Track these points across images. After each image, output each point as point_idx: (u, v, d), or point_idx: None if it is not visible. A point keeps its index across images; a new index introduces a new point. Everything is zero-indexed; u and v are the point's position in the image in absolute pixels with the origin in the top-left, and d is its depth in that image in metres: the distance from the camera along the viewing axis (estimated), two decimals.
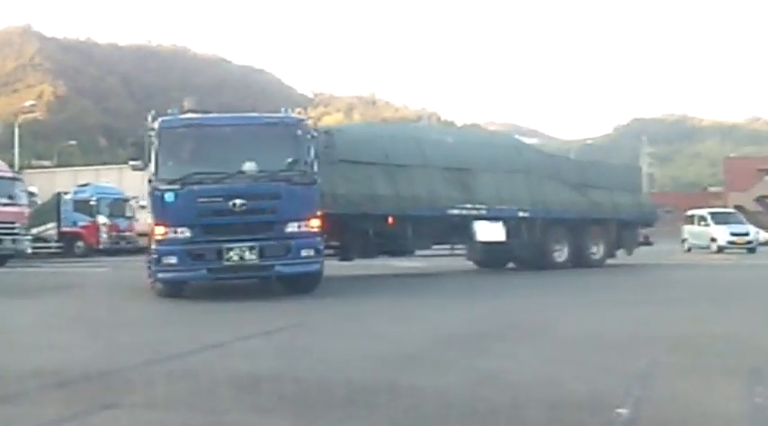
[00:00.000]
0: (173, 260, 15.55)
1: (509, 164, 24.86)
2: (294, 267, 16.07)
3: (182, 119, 16.75)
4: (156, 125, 16.06)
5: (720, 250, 40.84)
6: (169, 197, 15.51)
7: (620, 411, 6.59)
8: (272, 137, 16.71)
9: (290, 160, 16.34)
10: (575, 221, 25.83)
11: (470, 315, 13.63)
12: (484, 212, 23.25)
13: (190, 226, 15.50)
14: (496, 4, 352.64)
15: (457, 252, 24.79)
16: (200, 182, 15.59)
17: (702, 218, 44.61)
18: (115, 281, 23.83)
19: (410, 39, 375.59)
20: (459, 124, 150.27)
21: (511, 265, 26.21)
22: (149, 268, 17.01)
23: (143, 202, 41.03)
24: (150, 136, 16.10)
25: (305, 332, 12.04)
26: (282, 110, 17.61)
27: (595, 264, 26.01)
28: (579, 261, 25.74)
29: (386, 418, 6.65)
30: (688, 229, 45.89)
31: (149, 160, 16.19)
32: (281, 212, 15.85)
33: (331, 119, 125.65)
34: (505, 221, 23.59)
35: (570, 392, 7.48)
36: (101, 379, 8.25)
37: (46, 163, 68.19)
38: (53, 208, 42.44)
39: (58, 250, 41.17)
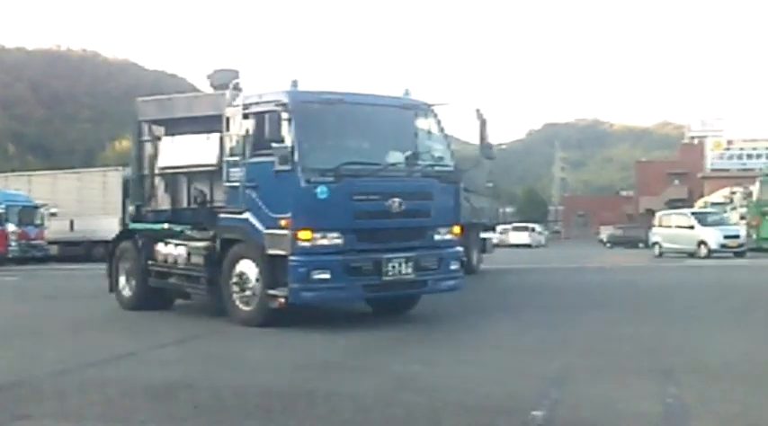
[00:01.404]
0: (325, 275, 12.03)
1: None
2: (445, 283, 13.30)
3: (315, 93, 13.09)
4: (283, 99, 12.53)
5: (710, 254, 35.60)
6: (322, 192, 12.00)
7: (535, 413, 6.68)
8: (410, 122, 13.65)
9: (434, 153, 13.65)
10: (466, 226, 24.64)
11: (381, 322, 13.58)
12: None
13: (342, 231, 12.23)
14: (409, 8, 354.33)
15: None
16: (354, 175, 12.34)
17: (684, 220, 39.08)
18: (25, 290, 23.35)
19: (323, 37, 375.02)
20: None
21: None
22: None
23: (53, 209, 40.32)
24: (265, 113, 12.51)
25: (219, 340, 11.97)
26: (404, 91, 14.15)
27: (474, 270, 25.02)
28: (465, 268, 24.42)
29: (303, 425, 6.64)
30: (661, 233, 40.43)
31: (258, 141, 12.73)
32: (433, 216, 13.06)
33: None
34: None
35: (486, 395, 7.55)
36: (11, 390, 8.11)
37: None
38: None
39: None
